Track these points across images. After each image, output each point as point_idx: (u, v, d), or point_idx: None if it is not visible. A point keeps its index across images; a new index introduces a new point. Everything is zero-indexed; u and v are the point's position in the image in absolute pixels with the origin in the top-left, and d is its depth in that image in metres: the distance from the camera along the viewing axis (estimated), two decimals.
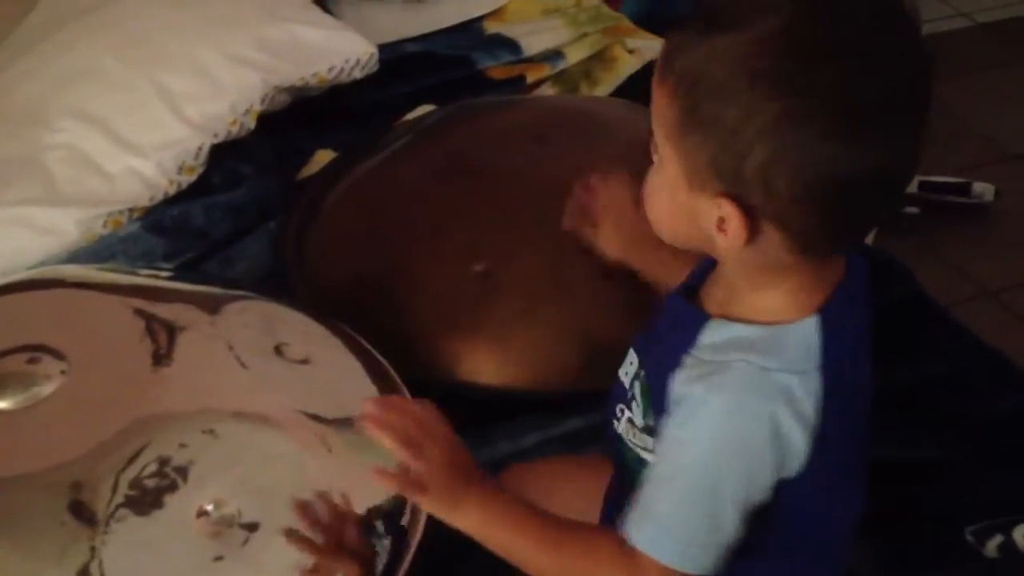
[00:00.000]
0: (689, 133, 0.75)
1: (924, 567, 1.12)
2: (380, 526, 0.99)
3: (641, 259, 1.08)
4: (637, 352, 0.92)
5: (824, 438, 0.79)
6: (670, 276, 0.96)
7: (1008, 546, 1.13)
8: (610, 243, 1.11)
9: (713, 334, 0.82)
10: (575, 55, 1.79)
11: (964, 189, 2.19)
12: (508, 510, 0.86)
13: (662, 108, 0.78)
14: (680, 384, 0.81)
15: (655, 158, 0.82)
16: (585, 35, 1.82)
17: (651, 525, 0.81)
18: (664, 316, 0.90)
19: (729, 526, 0.79)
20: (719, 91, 0.73)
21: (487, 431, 1.25)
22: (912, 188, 2.14)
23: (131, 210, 1.44)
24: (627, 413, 0.91)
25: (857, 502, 0.90)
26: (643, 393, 0.88)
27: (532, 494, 1.07)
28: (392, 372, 1.14)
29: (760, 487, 0.79)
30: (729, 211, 0.75)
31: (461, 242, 1.33)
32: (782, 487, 0.80)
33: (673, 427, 0.81)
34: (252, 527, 0.96)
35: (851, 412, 0.83)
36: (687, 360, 0.81)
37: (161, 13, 1.63)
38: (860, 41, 0.72)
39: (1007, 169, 2.32)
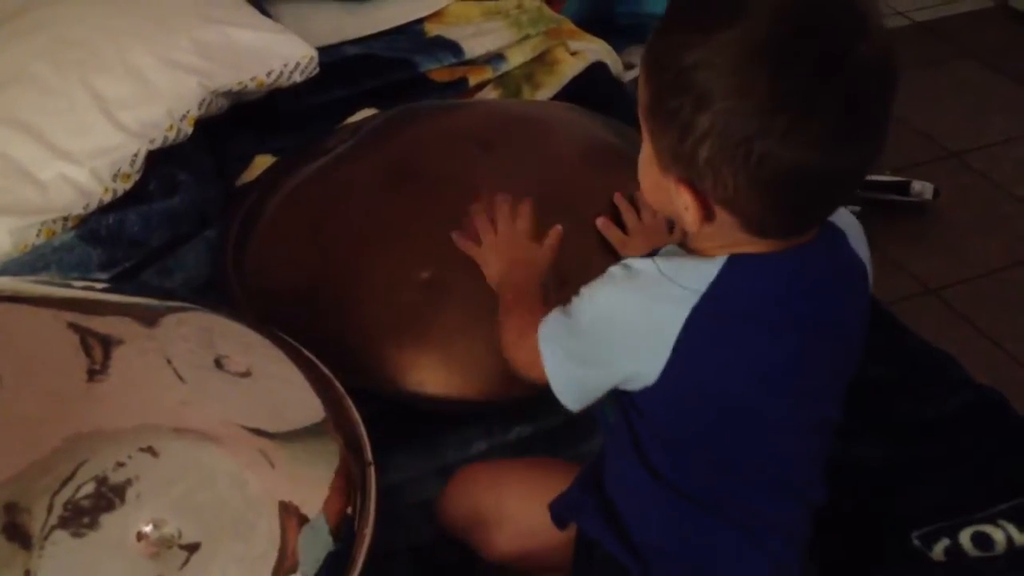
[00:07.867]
0: (656, 118, 0.83)
1: (870, 571, 1.12)
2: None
3: None
4: None
5: (684, 354, 0.85)
6: None
7: (954, 549, 1.13)
8: (635, 252, 1.19)
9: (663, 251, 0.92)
10: (517, 57, 1.78)
11: (904, 188, 2.21)
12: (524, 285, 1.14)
13: (641, 88, 0.85)
14: None
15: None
16: (527, 37, 1.81)
17: (552, 320, 0.95)
18: None
19: (591, 369, 0.92)
20: (676, 85, 0.79)
21: (434, 441, 1.24)
22: None
23: (65, 219, 1.40)
24: None
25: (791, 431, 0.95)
26: None
27: (481, 492, 1.09)
28: (336, 383, 1.12)
29: (613, 362, 0.90)
30: (686, 197, 0.83)
31: (406, 250, 1.31)
32: (643, 392, 0.89)
33: None
34: (193, 547, 0.93)
35: (751, 354, 0.88)
36: None
37: (94, 17, 1.59)
38: (818, 52, 0.76)
39: (945, 167, 2.34)
